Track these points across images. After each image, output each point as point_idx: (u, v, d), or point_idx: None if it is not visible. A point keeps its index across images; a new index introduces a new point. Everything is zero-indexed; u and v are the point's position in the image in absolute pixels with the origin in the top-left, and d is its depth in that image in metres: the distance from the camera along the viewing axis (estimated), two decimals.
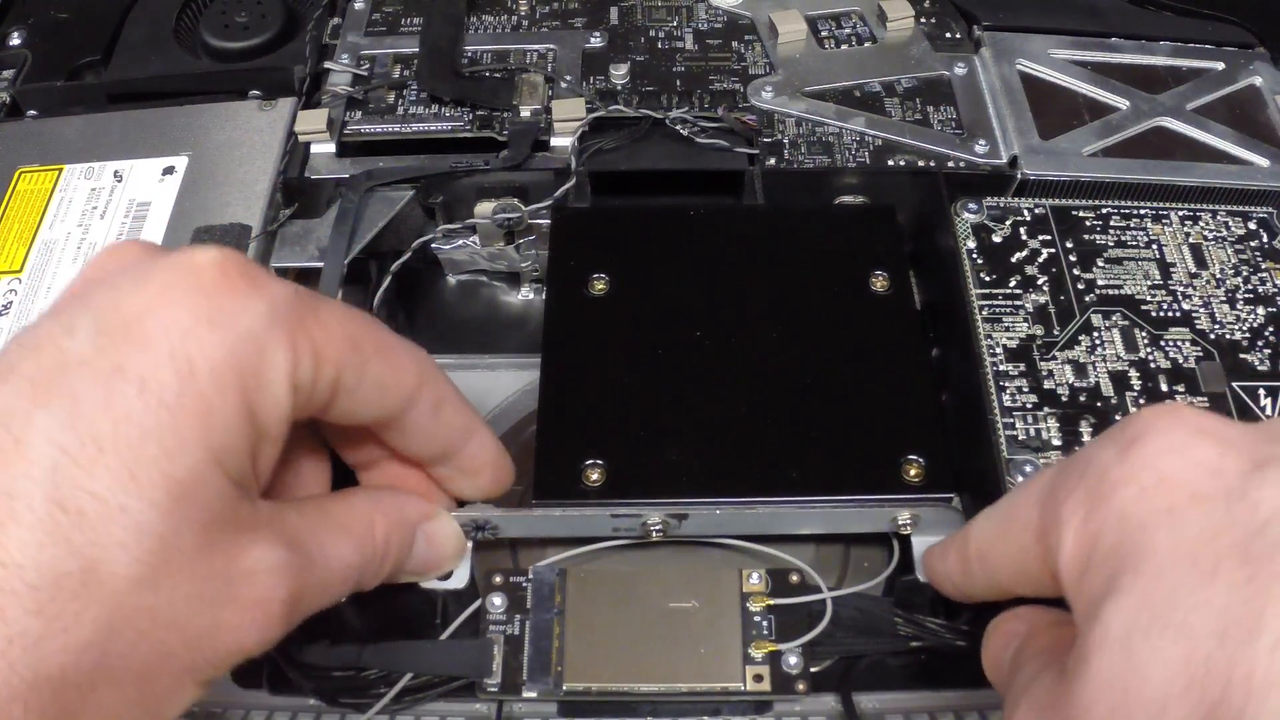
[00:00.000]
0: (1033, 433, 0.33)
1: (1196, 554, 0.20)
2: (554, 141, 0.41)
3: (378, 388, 0.25)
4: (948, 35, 0.46)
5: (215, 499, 0.22)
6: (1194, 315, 0.36)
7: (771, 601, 0.32)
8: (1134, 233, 0.38)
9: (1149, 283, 0.36)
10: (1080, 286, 0.36)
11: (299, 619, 0.24)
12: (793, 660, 0.31)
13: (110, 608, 0.20)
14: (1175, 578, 0.20)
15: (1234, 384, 0.34)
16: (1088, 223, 0.38)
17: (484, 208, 0.40)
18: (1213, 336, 0.35)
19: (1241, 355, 0.35)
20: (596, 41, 0.46)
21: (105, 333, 0.21)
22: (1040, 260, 0.37)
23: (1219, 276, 0.37)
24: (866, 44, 0.46)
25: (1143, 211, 0.39)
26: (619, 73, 0.44)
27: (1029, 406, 0.33)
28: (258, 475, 0.24)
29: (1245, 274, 0.37)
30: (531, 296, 0.43)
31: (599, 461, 0.32)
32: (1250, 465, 0.21)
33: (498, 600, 0.31)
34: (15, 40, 0.47)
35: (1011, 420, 0.33)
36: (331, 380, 0.24)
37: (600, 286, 0.36)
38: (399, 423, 0.27)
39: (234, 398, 0.22)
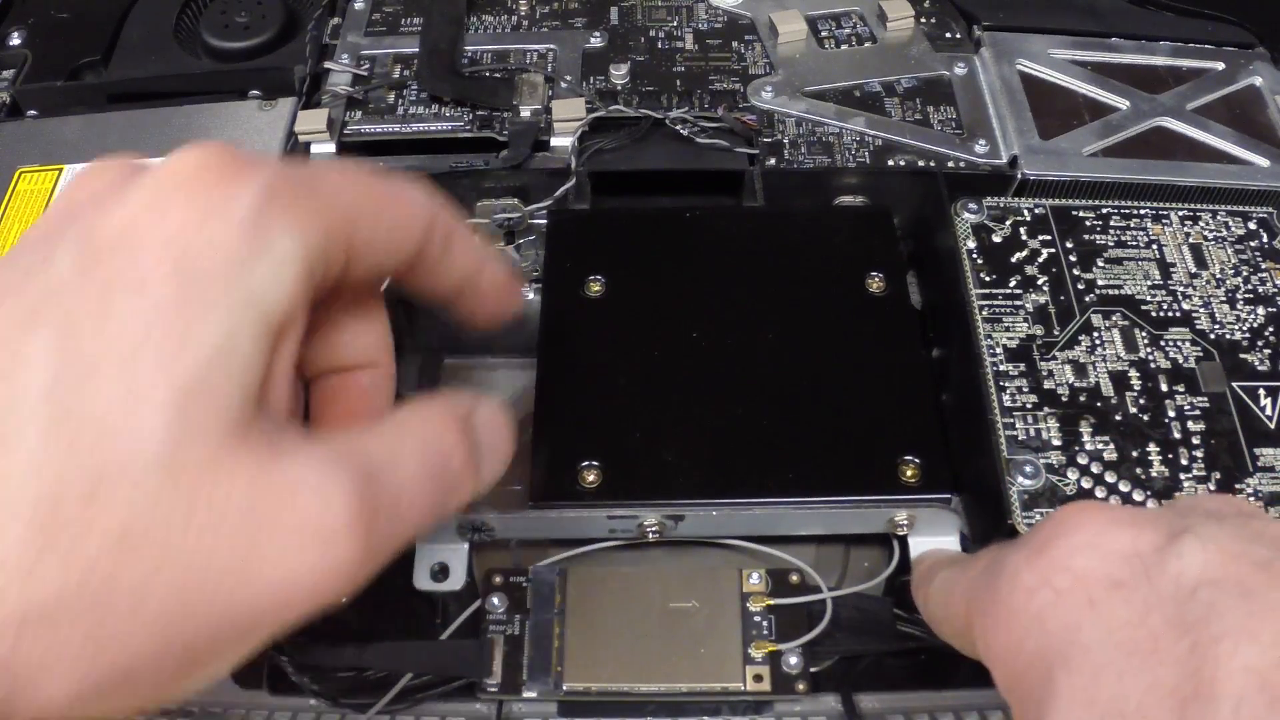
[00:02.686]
0: (1033, 433, 0.33)
1: (1131, 639, 0.20)
2: (554, 141, 0.41)
3: (389, 240, 0.24)
4: (948, 35, 0.46)
5: (229, 405, 0.20)
6: (1194, 315, 0.36)
7: (771, 601, 0.32)
8: (1134, 233, 0.38)
9: (1149, 283, 0.36)
10: (1080, 286, 0.36)
11: (384, 540, 0.21)
12: (793, 660, 0.31)
13: (117, 532, 0.18)
14: (1116, 667, 0.19)
15: (1234, 384, 0.34)
16: (1088, 223, 0.38)
17: (484, 208, 0.40)
18: (1213, 336, 0.35)
19: (1241, 355, 0.35)
20: (596, 41, 0.46)
21: (91, 252, 0.20)
22: (1040, 260, 0.37)
23: (1219, 276, 0.37)
24: (866, 44, 0.46)
25: (1143, 211, 0.39)
26: (619, 73, 0.44)
27: (1029, 406, 0.33)
28: (281, 375, 0.22)
29: (1245, 274, 0.37)
30: (531, 296, 0.43)
31: (595, 463, 0.32)
32: (1164, 539, 0.21)
33: (498, 600, 0.31)
34: (15, 40, 0.47)
35: (1011, 420, 0.33)
36: (344, 248, 0.22)
37: (596, 288, 0.36)
38: (412, 268, 0.25)
39: (238, 292, 0.20)
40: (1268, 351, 0.35)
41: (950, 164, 0.41)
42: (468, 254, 0.27)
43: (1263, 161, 0.41)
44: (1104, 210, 0.38)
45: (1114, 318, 0.35)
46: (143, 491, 0.19)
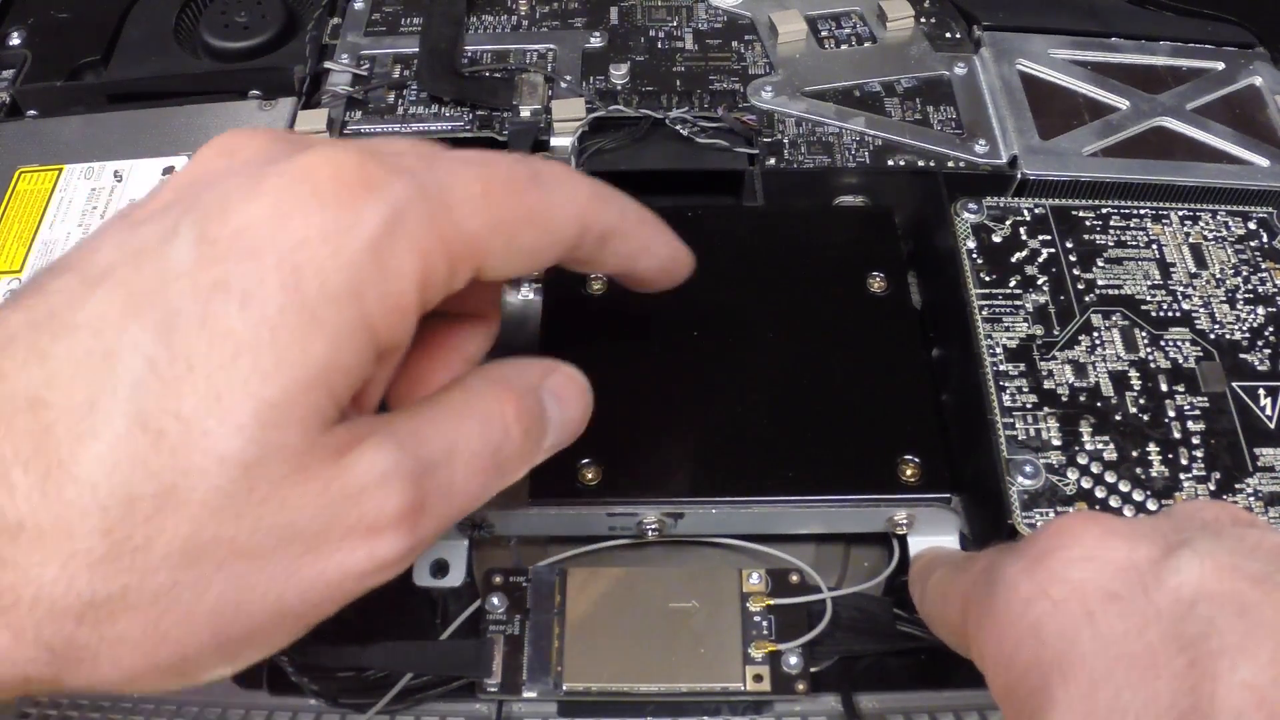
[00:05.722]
0: (1033, 433, 0.33)
1: (1129, 652, 0.20)
2: (554, 141, 0.41)
3: (529, 254, 0.23)
4: (948, 35, 0.46)
5: (314, 424, 0.20)
6: (1194, 315, 0.36)
7: (771, 601, 0.32)
8: (1134, 233, 0.38)
9: (1149, 283, 0.36)
10: (1080, 286, 0.36)
11: (431, 530, 0.22)
12: (793, 660, 0.31)
13: (184, 537, 0.19)
14: (1114, 680, 0.20)
15: (1234, 384, 0.34)
16: (1088, 223, 0.38)
17: None
18: (1213, 336, 0.35)
19: (1241, 355, 0.35)
20: (596, 41, 0.46)
21: (209, 241, 0.19)
22: (1040, 260, 0.37)
23: (1219, 276, 0.37)
24: (866, 44, 0.46)
25: (1143, 211, 0.38)
26: (619, 73, 0.44)
27: (1029, 406, 0.33)
28: (374, 390, 0.22)
29: (1245, 274, 0.37)
30: (531, 296, 0.43)
31: (595, 460, 0.32)
32: (1161, 552, 0.21)
33: (498, 600, 0.31)
34: (15, 40, 0.47)
35: (1011, 420, 0.33)
36: (472, 269, 0.22)
37: (597, 286, 0.36)
38: (564, 262, 0.25)
39: (348, 313, 0.20)
40: (1268, 351, 0.35)
41: (950, 164, 0.41)
42: (626, 246, 0.26)
43: (1263, 161, 0.41)
44: (1104, 210, 0.38)
45: (1114, 318, 0.35)
46: (216, 500, 0.19)
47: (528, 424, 0.24)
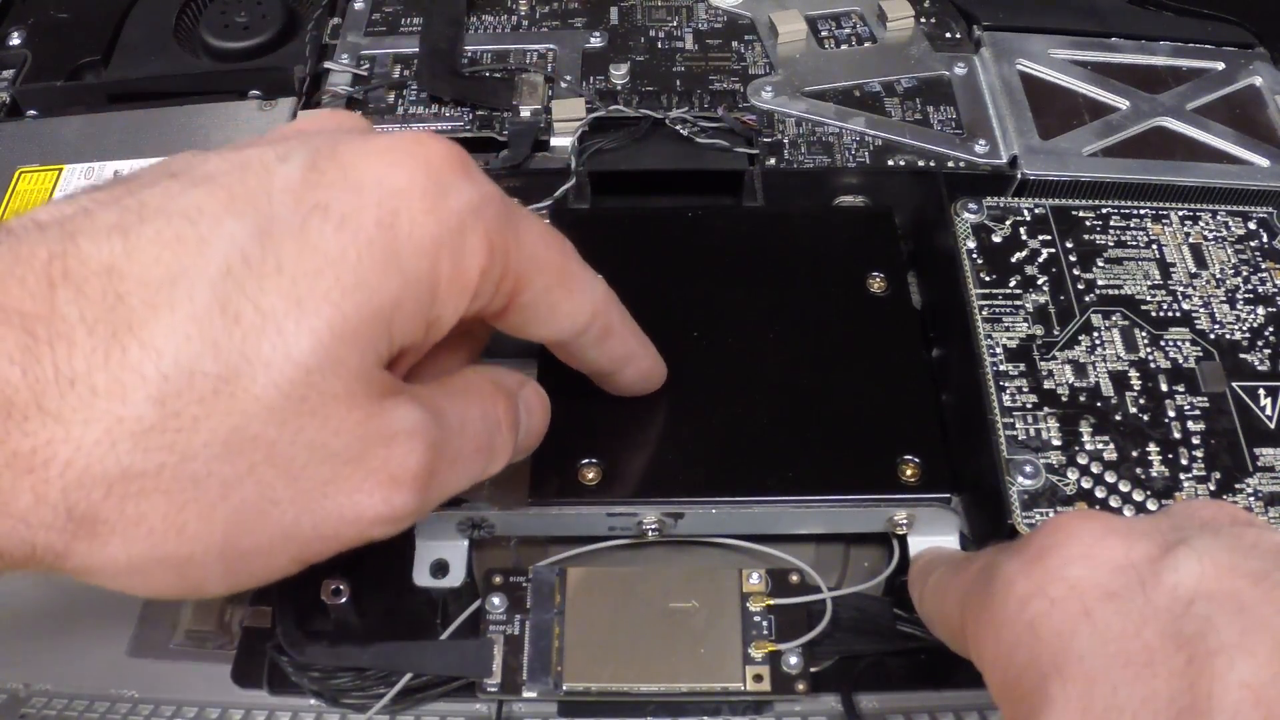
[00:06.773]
0: (1033, 433, 0.33)
1: (1126, 650, 0.20)
2: (554, 141, 0.41)
3: (550, 312, 0.25)
4: (948, 35, 0.46)
5: (372, 354, 0.21)
6: (1194, 315, 0.36)
7: (771, 601, 0.32)
8: (1134, 233, 0.38)
9: (1149, 283, 0.36)
10: (1080, 286, 0.36)
11: (435, 498, 0.23)
12: (793, 660, 0.31)
13: (230, 427, 0.19)
14: (1111, 678, 0.20)
15: (1234, 384, 0.34)
16: (1088, 223, 0.38)
17: None
18: (1213, 336, 0.35)
19: (1241, 355, 0.35)
20: (596, 41, 0.46)
21: (318, 169, 0.21)
22: (1040, 260, 0.37)
23: (1219, 276, 0.37)
24: (866, 44, 0.46)
25: (1143, 211, 0.38)
26: (619, 73, 0.44)
27: (1029, 406, 0.33)
28: (418, 351, 0.23)
29: (1245, 274, 0.37)
30: None
31: (595, 460, 0.32)
32: (1159, 551, 0.21)
33: (498, 600, 0.31)
34: (15, 40, 0.48)
35: (1011, 420, 0.33)
36: (509, 292, 0.24)
37: None
38: (562, 344, 0.27)
39: (424, 266, 0.21)
40: (1268, 351, 0.35)
41: (950, 164, 0.41)
42: (614, 352, 0.29)
43: (1263, 161, 0.41)
44: (1104, 210, 0.38)
45: (1114, 318, 0.35)
46: (270, 397, 0.19)
47: (512, 420, 0.26)
